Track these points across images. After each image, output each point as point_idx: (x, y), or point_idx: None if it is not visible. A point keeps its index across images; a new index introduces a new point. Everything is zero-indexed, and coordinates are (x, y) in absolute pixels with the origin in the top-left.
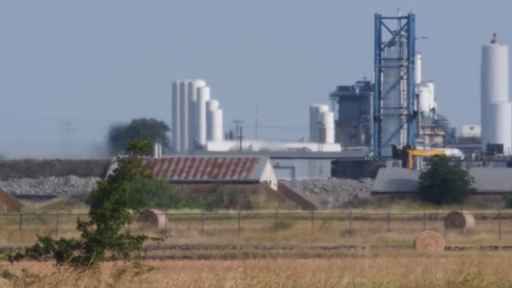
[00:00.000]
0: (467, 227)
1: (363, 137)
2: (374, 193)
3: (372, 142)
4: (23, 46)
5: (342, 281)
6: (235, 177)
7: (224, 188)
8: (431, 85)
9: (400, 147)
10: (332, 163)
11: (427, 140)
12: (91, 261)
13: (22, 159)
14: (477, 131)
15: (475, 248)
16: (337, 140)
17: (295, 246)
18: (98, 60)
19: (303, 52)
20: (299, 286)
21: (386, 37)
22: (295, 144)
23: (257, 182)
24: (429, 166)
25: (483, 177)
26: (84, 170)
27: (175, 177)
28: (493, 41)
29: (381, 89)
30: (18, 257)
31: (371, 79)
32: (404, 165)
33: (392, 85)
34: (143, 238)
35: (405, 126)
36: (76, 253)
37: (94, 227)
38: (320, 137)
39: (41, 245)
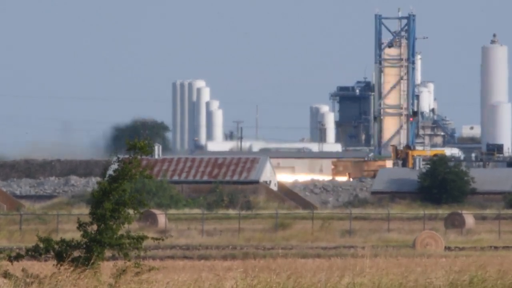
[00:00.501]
0: (467, 227)
1: (363, 137)
2: (374, 193)
3: (372, 142)
4: (23, 46)
5: (342, 281)
6: (235, 177)
7: (224, 188)
8: (431, 85)
9: (400, 147)
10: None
11: (427, 140)
12: (91, 261)
13: (22, 159)
14: (477, 131)
15: (475, 248)
16: (337, 140)
17: (295, 246)
18: (98, 60)
19: (303, 52)
20: (299, 286)
21: (386, 37)
22: (295, 144)
23: (257, 182)
24: (429, 166)
25: (483, 177)
26: (84, 170)
27: (175, 177)
28: (493, 42)
29: (381, 89)
30: (18, 257)
31: (371, 79)
32: (404, 164)
33: (392, 85)
34: (143, 238)
35: (404, 126)
36: (76, 253)
37: (94, 227)
38: (320, 137)
39: (41, 245)
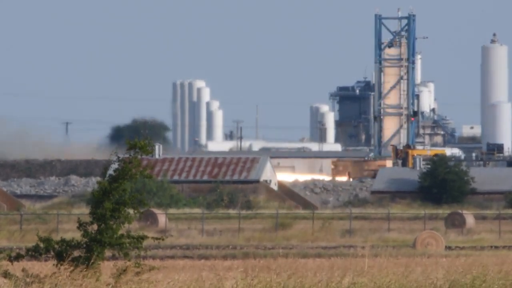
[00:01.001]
0: (467, 227)
1: (363, 137)
2: (374, 192)
3: (372, 142)
4: (23, 46)
5: (343, 281)
6: (235, 177)
7: (224, 188)
8: (431, 85)
9: (400, 147)
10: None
11: (427, 139)
12: (91, 261)
13: (22, 159)
14: (477, 131)
15: (476, 248)
16: (337, 140)
17: (295, 246)
18: (98, 60)
19: (303, 52)
20: (301, 286)
21: (386, 37)
22: (295, 144)
23: (257, 182)
24: (429, 166)
25: (483, 177)
26: (84, 170)
27: (175, 177)
28: (493, 41)
29: (381, 89)
30: (18, 257)
31: (372, 79)
32: (404, 164)
33: (392, 85)
34: (143, 237)
35: (405, 126)
36: (76, 253)
37: (95, 227)
38: (320, 137)
39: (42, 245)
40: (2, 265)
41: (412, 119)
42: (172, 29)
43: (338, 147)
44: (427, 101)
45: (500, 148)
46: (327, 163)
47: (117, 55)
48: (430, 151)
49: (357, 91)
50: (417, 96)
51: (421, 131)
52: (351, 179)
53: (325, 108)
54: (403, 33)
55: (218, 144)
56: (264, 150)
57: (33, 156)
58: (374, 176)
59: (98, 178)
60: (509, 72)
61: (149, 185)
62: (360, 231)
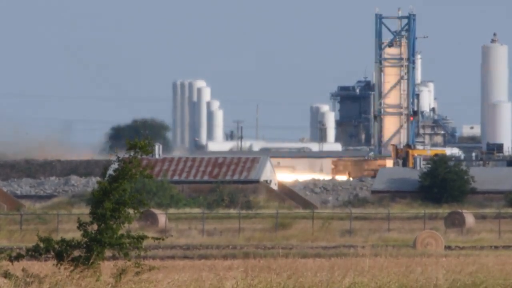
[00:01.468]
0: (467, 227)
1: (363, 136)
2: (374, 192)
3: (372, 141)
4: (23, 46)
5: (343, 281)
6: (236, 177)
7: (224, 188)
8: (431, 85)
9: (401, 146)
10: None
11: (427, 139)
12: (91, 261)
13: (22, 159)
14: (477, 130)
15: (476, 247)
16: (337, 139)
17: (295, 246)
18: (98, 60)
19: (303, 52)
20: (300, 286)
21: (386, 37)
22: (296, 144)
23: (257, 181)
24: (429, 166)
25: (483, 176)
26: (84, 170)
27: (176, 177)
28: (493, 41)
29: (382, 88)
30: (18, 257)
31: (372, 79)
32: (405, 164)
33: (393, 85)
34: (143, 237)
35: (405, 125)
36: (76, 253)
37: (95, 227)
38: (320, 137)
39: (42, 245)
40: (2, 265)
41: (412, 118)
42: (172, 29)
43: (338, 147)
44: (427, 100)
45: (500, 148)
46: (327, 163)
47: (117, 55)
48: (430, 151)
49: (358, 90)
50: (417, 96)
51: (421, 131)
52: (351, 179)
53: (325, 108)
54: (403, 32)
55: (219, 144)
56: (264, 150)
57: (33, 156)
58: (374, 176)
59: (98, 178)
60: (509, 72)
61: (149, 185)
62: (360, 231)
